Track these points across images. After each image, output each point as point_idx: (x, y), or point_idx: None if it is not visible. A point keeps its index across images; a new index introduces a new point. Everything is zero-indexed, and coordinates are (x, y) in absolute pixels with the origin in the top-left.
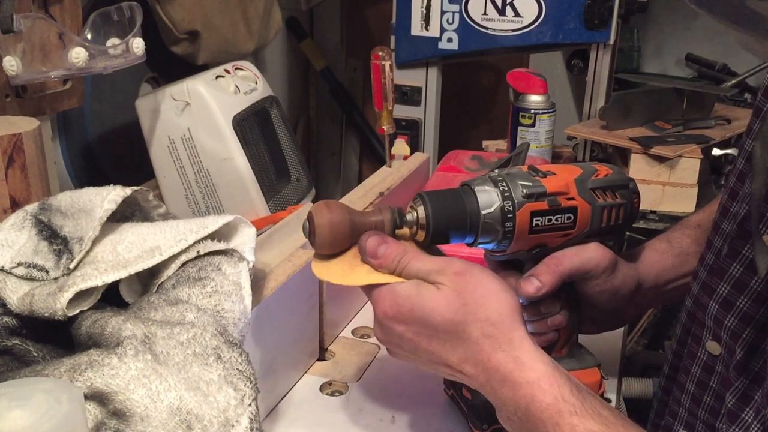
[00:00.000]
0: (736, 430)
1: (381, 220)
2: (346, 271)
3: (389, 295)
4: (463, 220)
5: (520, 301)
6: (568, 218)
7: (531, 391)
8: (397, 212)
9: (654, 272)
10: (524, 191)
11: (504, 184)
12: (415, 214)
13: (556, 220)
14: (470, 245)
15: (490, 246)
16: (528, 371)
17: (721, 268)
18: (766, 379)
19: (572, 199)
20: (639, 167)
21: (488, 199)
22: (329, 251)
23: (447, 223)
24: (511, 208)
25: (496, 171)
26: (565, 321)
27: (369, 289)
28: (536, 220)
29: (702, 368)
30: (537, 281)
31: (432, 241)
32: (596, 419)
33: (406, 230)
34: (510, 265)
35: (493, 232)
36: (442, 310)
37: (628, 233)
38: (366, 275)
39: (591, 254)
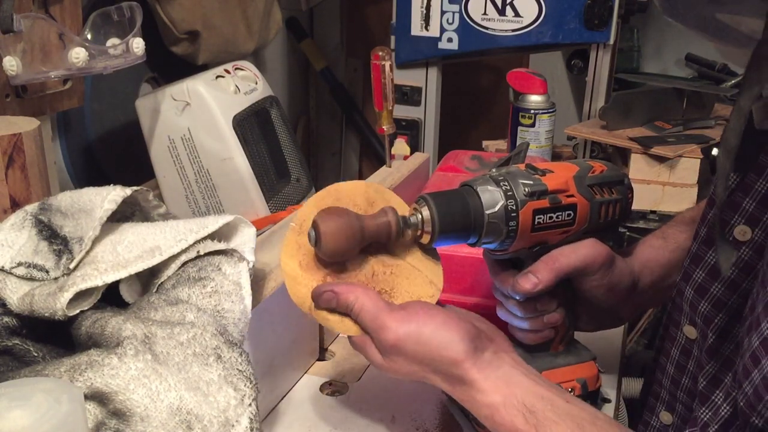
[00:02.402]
0: (707, 411)
1: (387, 222)
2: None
3: (359, 343)
4: (468, 220)
5: (517, 297)
6: (568, 215)
7: (489, 422)
8: (398, 215)
9: (649, 268)
10: (526, 190)
11: (506, 183)
12: (420, 216)
13: (557, 217)
14: (473, 245)
15: (492, 245)
16: (483, 408)
17: (697, 255)
18: (736, 362)
19: (572, 196)
20: (639, 167)
21: (491, 198)
22: (338, 258)
23: (452, 224)
24: (514, 207)
25: (495, 170)
26: (561, 318)
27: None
28: (538, 218)
29: (680, 351)
30: (534, 278)
31: (437, 243)
32: None
33: (409, 233)
34: (510, 264)
35: (497, 231)
36: (398, 369)
37: (628, 233)
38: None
39: (588, 251)
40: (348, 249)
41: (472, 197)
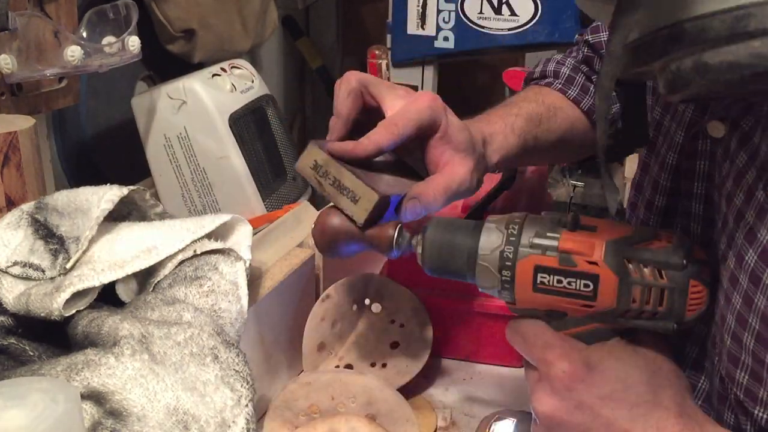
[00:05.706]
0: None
1: (385, 236)
2: None
3: (566, 346)
4: (459, 257)
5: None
6: (586, 286)
7: None
8: (402, 232)
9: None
10: (532, 240)
11: (515, 228)
12: (418, 238)
13: (569, 283)
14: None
15: (492, 293)
16: None
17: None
18: None
19: (594, 263)
20: (636, 167)
21: (489, 239)
22: (329, 256)
23: (440, 256)
24: (510, 255)
25: (526, 213)
26: None
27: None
28: (541, 277)
29: None
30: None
31: (432, 273)
32: None
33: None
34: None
35: (489, 277)
36: (636, 371)
37: None
38: None
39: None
40: (339, 249)
41: (473, 233)
